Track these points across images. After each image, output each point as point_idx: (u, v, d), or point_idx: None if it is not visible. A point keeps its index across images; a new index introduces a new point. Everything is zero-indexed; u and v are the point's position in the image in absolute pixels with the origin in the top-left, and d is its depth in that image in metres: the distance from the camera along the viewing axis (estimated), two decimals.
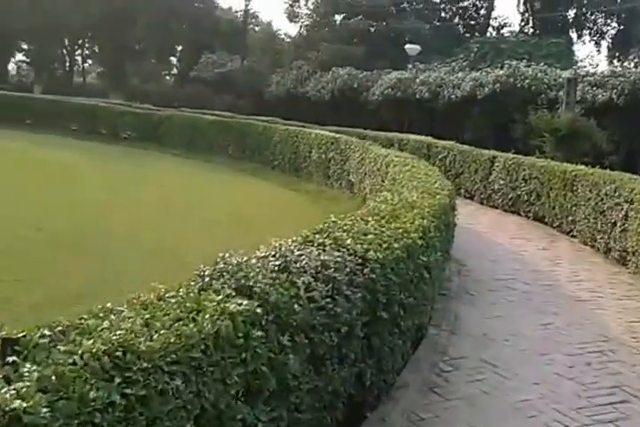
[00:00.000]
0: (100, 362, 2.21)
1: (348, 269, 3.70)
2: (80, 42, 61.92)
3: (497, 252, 10.22)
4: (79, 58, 67.88)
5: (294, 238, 4.06)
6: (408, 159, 10.69)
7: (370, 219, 4.96)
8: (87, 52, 66.27)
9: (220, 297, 2.89)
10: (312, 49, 39.23)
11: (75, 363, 2.15)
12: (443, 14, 44.58)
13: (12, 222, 9.74)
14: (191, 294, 2.94)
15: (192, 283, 3.17)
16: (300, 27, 46.20)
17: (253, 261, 3.44)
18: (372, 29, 39.71)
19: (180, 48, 59.37)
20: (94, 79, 68.31)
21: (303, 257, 3.63)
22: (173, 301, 2.86)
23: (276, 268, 3.41)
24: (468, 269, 8.73)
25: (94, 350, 2.25)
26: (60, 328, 2.47)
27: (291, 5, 46.09)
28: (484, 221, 13.00)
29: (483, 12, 44.45)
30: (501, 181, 14.16)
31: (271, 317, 3.02)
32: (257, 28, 64.40)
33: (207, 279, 3.17)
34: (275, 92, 38.95)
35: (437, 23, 42.40)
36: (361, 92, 31.56)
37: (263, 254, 3.58)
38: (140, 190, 14.14)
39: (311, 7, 44.53)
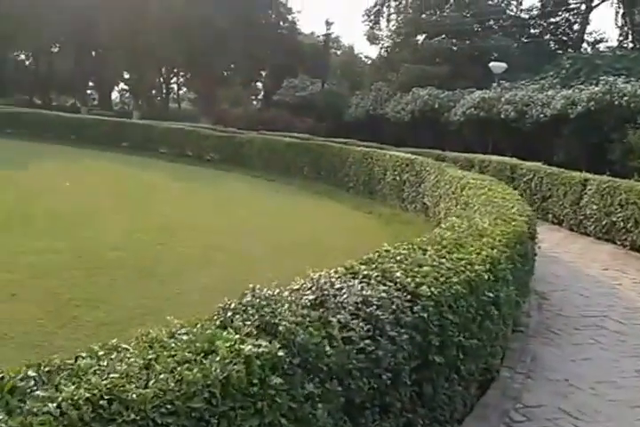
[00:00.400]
0: (79, 412, 1.96)
1: (394, 307, 3.33)
2: (175, 70, 65.72)
3: (586, 284, 9.42)
4: (175, 85, 72.88)
5: (337, 269, 3.73)
6: (486, 182, 10.14)
7: (429, 248, 4.56)
8: (182, 79, 70.62)
9: (237, 336, 2.60)
10: (392, 70, 39.14)
11: (50, 412, 1.92)
12: (532, 30, 43.39)
13: (94, 243, 10.03)
14: (207, 332, 2.67)
15: (214, 317, 2.93)
16: (381, 48, 46.30)
17: (286, 293, 3.15)
18: (455, 48, 39.13)
19: (264, 73, 61.24)
20: (188, 105, 72.39)
21: (343, 291, 3.30)
22: (185, 338, 2.59)
23: (309, 303, 3.10)
24: (552, 303, 8.06)
25: (76, 398, 2.01)
26: (48, 368, 2.26)
27: (371, 27, 46.39)
28: (572, 250, 12.17)
29: (576, 27, 42.92)
30: (594, 206, 13.26)
31: (297, 360, 2.70)
32: (339, 52, 65.46)
33: (229, 314, 2.90)
34: (354, 114, 39.03)
35: (525, 40, 41.29)
36: (442, 113, 31.00)
37: (298, 287, 3.28)
38: (215, 212, 14.29)
39: (392, 28, 44.53)
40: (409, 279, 3.69)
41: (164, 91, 70.13)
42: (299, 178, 21.31)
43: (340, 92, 43.57)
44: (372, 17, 47.58)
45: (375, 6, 47.47)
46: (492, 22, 42.22)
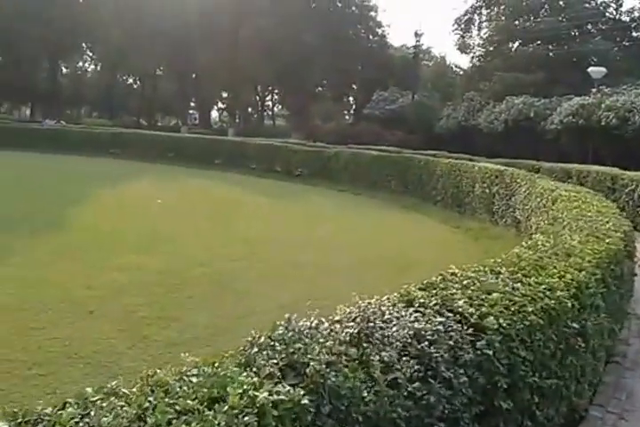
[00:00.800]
0: None
1: (451, 342, 2.84)
2: (270, 88, 67.54)
3: None
4: (270, 102, 75.28)
5: (393, 295, 3.28)
6: (580, 194, 9.27)
7: (503, 270, 4.00)
8: (276, 97, 72.80)
9: (256, 379, 2.22)
10: (485, 79, 37.90)
11: None
12: (634, 33, 40.80)
13: (179, 259, 10.03)
14: (222, 373, 2.30)
15: (239, 352, 2.56)
16: (472, 57, 45.05)
17: (325, 325, 2.73)
18: (551, 54, 37.37)
19: (355, 87, 61.40)
20: (283, 121, 74.42)
21: (393, 323, 2.85)
22: (195, 381, 2.24)
23: (349, 337, 2.66)
24: None
25: None
26: (27, 418, 1.96)
27: (462, 36, 45.27)
28: None
29: None
30: None
31: (326, 409, 2.27)
32: (430, 63, 64.60)
33: (255, 350, 2.51)
34: (445, 126, 38.09)
35: (627, 43, 38.85)
36: (538, 122, 29.58)
37: (339, 317, 2.85)
38: (300, 227, 14.11)
39: (484, 37, 43.25)
40: (472, 309, 3.16)
41: (260, 108, 72.32)
42: (385, 191, 20.83)
43: (430, 104, 42.74)
44: (462, 26, 46.54)
45: (466, 15, 46.42)
46: (589, 26, 40.05)
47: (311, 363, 2.36)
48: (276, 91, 70.68)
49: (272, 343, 2.54)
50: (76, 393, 2.12)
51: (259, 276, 9.29)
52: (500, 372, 2.99)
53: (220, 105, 77.94)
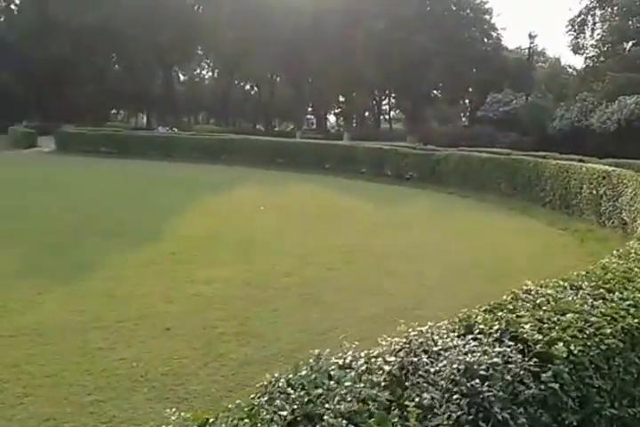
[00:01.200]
0: None
1: (508, 378, 2.34)
2: (387, 92, 66.29)
3: None
4: (386, 106, 73.08)
5: (449, 320, 2.85)
6: None
7: (584, 284, 3.44)
8: (393, 100, 70.87)
9: None
10: (598, 80, 35.05)
11: None
12: None
13: (268, 269, 9.39)
14: None
15: (255, 396, 2.20)
16: (586, 58, 41.89)
17: (360, 362, 2.30)
18: None
19: (470, 90, 59.24)
20: (399, 125, 72.51)
21: (442, 357, 2.38)
22: None
23: (385, 377, 2.23)
24: None
25: None
26: None
27: (575, 37, 42.22)
28: None
29: None
30: None
31: None
32: (545, 65, 61.11)
33: (265, 398, 2.14)
34: (558, 127, 35.73)
35: None
36: None
37: (380, 351, 2.42)
38: (398, 234, 13.06)
39: (597, 37, 40.05)
40: (539, 335, 2.64)
41: (376, 112, 70.87)
42: (494, 194, 19.66)
43: (544, 105, 40.29)
44: (576, 27, 43.46)
45: (579, 16, 43.33)
46: None
47: (325, 416, 1.95)
48: (393, 95, 69.01)
49: (288, 388, 2.16)
50: None
51: (348, 286, 8.54)
52: (568, 407, 2.48)
53: (338, 109, 76.34)
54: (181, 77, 77.16)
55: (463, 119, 62.83)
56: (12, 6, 64.05)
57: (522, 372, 2.40)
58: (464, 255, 10.92)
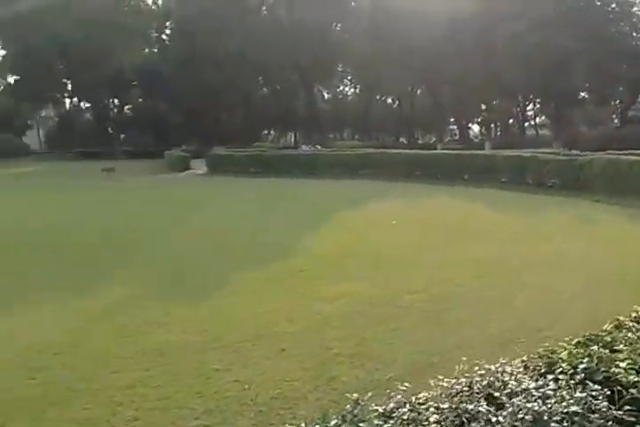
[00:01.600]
0: None
1: None
2: (531, 97, 62.98)
3: None
4: (531, 112, 69.46)
5: (527, 357, 2.55)
6: None
7: None
8: (538, 105, 67.26)
9: None
10: None
11: None
12: None
13: (394, 285, 9.03)
14: None
15: None
16: None
17: (404, 410, 2.03)
18: None
19: (620, 89, 54.39)
20: (546, 131, 68.79)
21: (507, 404, 2.03)
22: None
23: None
24: None
25: None
26: None
27: None
28: None
29: None
30: None
31: None
32: None
33: None
34: None
35: None
36: None
37: (432, 394, 2.16)
38: (531, 246, 12.05)
39: None
40: (636, 377, 2.20)
41: (521, 118, 67.53)
42: None
43: None
44: None
45: None
46: None
47: None
48: (538, 99, 65.20)
49: None
50: None
51: (474, 302, 8.02)
52: None
53: (480, 118, 73.86)
54: (325, 95, 78.62)
55: (615, 121, 57.67)
56: (164, 36, 67.28)
57: (609, 423, 1.99)
58: (610, 265, 9.97)
